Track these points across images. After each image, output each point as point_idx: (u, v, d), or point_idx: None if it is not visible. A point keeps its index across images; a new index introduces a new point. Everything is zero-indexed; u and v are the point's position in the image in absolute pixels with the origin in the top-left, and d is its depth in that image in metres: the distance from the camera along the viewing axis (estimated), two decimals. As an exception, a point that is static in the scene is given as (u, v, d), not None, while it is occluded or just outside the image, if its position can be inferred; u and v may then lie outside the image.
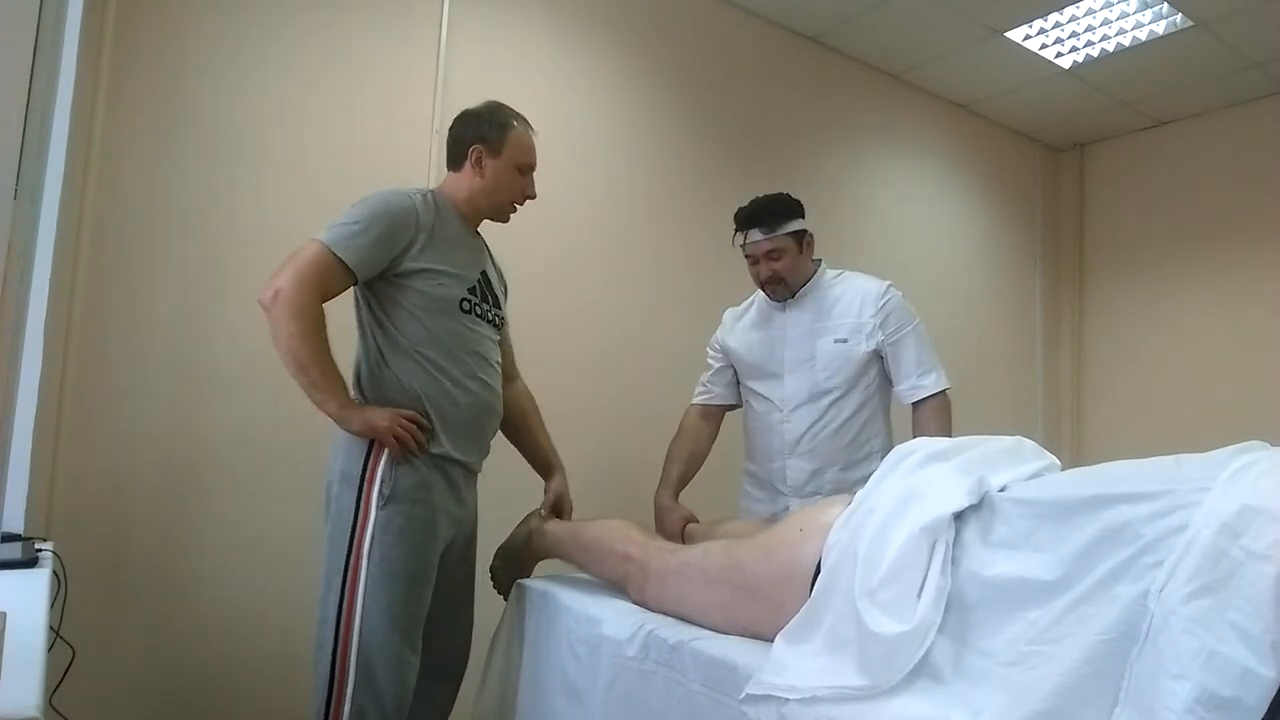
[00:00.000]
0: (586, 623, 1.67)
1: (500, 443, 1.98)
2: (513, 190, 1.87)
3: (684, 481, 2.28)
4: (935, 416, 2.13)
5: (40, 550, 1.45)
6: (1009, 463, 1.34)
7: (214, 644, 2.19)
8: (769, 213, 2.15)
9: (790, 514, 1.64)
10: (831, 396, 2.16)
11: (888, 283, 2.21)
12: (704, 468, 2.34)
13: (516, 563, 2.02)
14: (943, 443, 1.42)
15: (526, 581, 1.96)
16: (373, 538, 1.66)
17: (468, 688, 1.94)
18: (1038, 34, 3.51)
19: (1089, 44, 3.58)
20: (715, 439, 2.37)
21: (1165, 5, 3.28)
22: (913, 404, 2.16)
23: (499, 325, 1.93)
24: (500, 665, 1.92)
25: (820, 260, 2.28)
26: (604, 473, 2.68)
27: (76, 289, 2.05)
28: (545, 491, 2.04)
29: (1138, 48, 3.58)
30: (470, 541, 1.92)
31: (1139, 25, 3.43)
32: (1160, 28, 3.43)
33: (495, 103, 1.89)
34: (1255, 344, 3.89)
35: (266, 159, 2.35)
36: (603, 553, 1.80)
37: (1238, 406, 3.81)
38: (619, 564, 1.74)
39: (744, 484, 2.35)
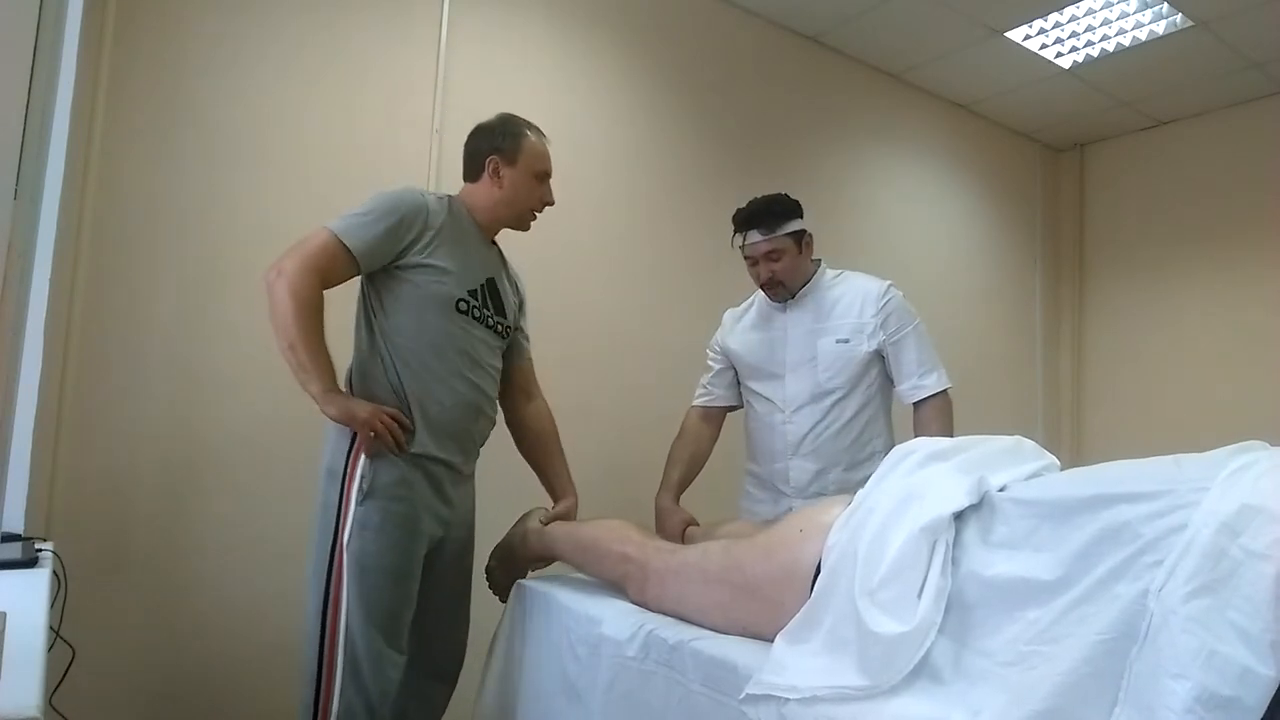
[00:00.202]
0: (586, 623, 1.67)
1: (497, 443, 1.98)
2: (531, 198, 1.89)
3: (685, 484, 2.28)
4: (937, 416, 2.12)
5: (40, 550, 1.45)
6: (1009, 462, 1.34)
7: (214, 644, 2.20)
8: (767, 213, 2.15)
9: (790, 514, 1.64)
10: (834, 397, 2.15)
11: (888, 282, 2.21)
12: (705, 469, 2.34)
13: (512, 562, 2.01)
14: (942, 442, 1.42)
15: (526, 581, 1.96)
16: (351, 532, 1.66)
17: (468, 688, 1.94)
18: (1038, 34, 3.52)
19: (1089, 44, 3.58)
20: (716, 440, 2.36)
21: (1165, 5, 3.28)
22: (914, 404, 2.16)
23: (503, 334, 1.92)
24: (500, 665, 1.92)
25: (820, 260, 2.28)
26: (604, 473, 2.68)
27: (76, 289, 2.05)
28: (553, 502, 2.04)
29: (1138, 48, 3.58)
30: (465, 544, 1.92)
31: (1139, 25, 3.43)
32: (1160, 28, 3.43)
33: (508, 114, 1.92)
34: (1255, 344, 3.89)
35: (266, 159, 2.35)
36: (601, 553, 1.80)
37: (1238, 406, 3.82)
38: (618, 564, 1.74)
39: (746, 485, 2.34)
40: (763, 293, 2.25)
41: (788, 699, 1.17)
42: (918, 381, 2.14)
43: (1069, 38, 3.54)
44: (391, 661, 1.68)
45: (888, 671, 1.12)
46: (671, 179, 3.17)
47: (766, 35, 3.48)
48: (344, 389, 1.74)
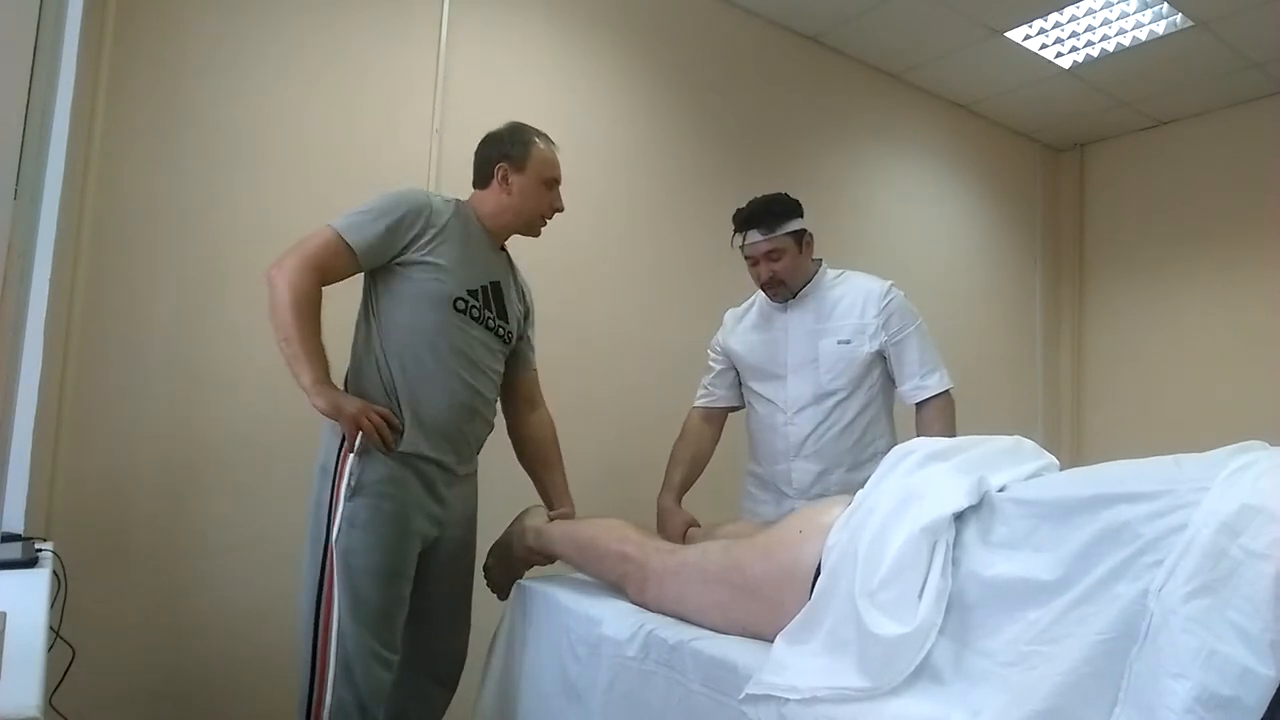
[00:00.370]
0: (586, 623, 1.67)
1: (496, 443, 1.98)
2: (540, 205, 1.91)
3: (687, 485, 2.27)
4: (939, 417, 2.12)
5: (40, 550, 1.45)
6: (1008, 463, 1.34)
7: (214, 644, 2.20)
8: (768, 213, 2.14)
9: (790, 515, 1.64)
10: (836, 398, 2.15)
11: (889, 283, 2.20)
12: (707, 470, 2.33)
13: (510, 561, 2.00)
14: (942, 443, 1.42)
15: (526, 581, 1.95)
16: (340, 529, 1.67)
17: (467, 688, 1.94)
18: (1038, 34, 3.52)
19: (1089, 44, 3.58)
20: (718, 441, 2.36)
21: (1165, 5, 3.28)
22: (916, 404, 2.15)
23: (505, 339, 1.92)
24: (500, 665, 1.91)
25: (821, 260, 2.27)
26: (604, 473, 2.68)
27: (76, 289, 2.05)
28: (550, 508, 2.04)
29: (1138, 48, 3.58)
30: (463, 543, 1.91)
31: (1139, 25, 3.43)
32: (1160, 28, 3.43)
33: (517, 122, 1.93)
34: (1255, 344, 3.89)
35: (266, 159, 2.35)
36: (600, 553, 1.80)
37: (1238, 406, 3.82)
38: (617, 564, 1.74)
39: (747, 486, 2.34)
40: (763, 293, 2.25)
41: (788, 699, 1.17)
42: (920, 382, 2.13)
43: (1069, 38, 3.54)
44: (382, 660, 1.67)
45: (888, 673, 1.13)
46: (671, 179, 3.17)
47: (766, 35, 3.48)
48: (340, 387, 1.75)
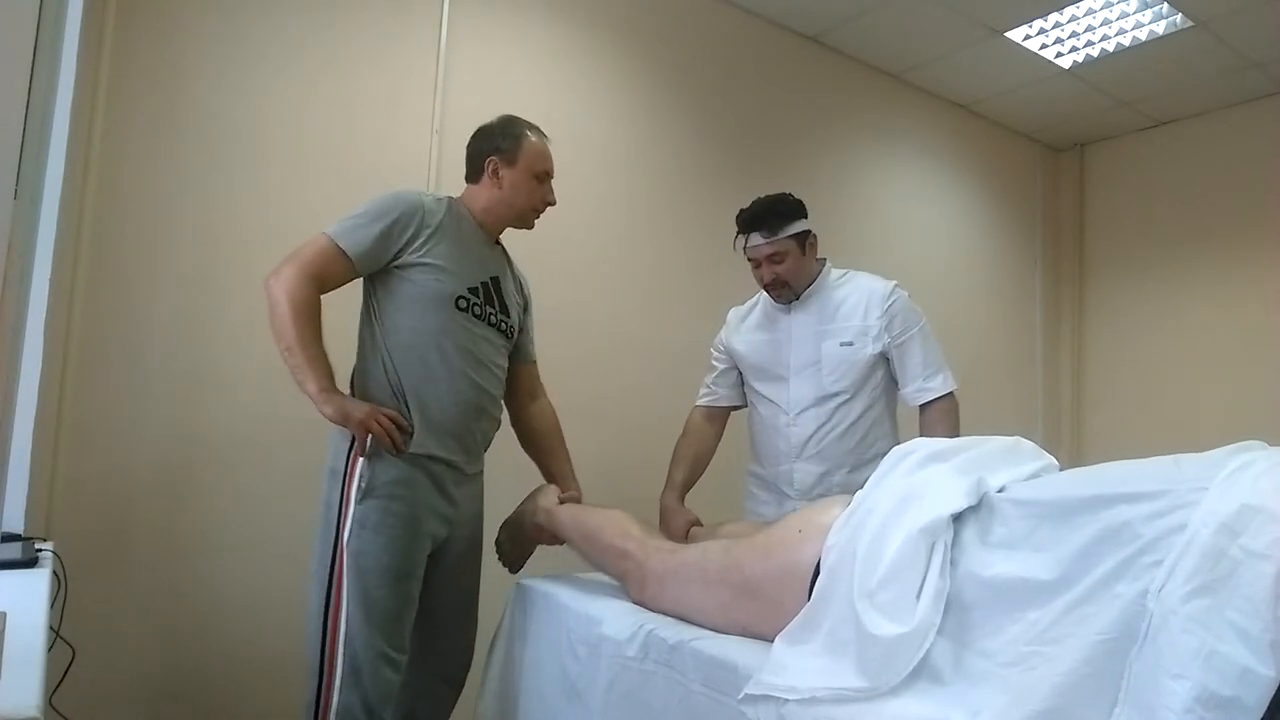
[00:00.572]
0: (586, 623, 1.67)
1: (505, 440, 1.98)
2: (532, 198, 1.89)
3: (689, 483, 2.27)
4: (942, 418, 2.10)
5: (40, 550, 1.44)
6: (1008, 463, 1.33)
7: (214, 644, 2.20)
8: (770, 215, 2.12)
9: (789, 515, 1.64)
10: (838, 400, 2.14)
11: (893, 283, 2.18)
12: (709, 470, 2.33)
13: (521, 538, 2.02)
14: (941, 443, 1.42)
15: (527, 581, 1.96)
16: (351, 531, 1.67)
17: (468, 688, 1.94)
18: (1038, 34, 3.51)
19: (1089, 44, 3.58)
20: (720, 439, 2.35)
21: (1165, 5, 3.28)
22: (920, 406, 2.14)
23: (507, 334, 1.92)
24: (500, 665, 1.92)
25: (825, 260, 2.25)
26: (604, 473, 2.67)
27: (76, 289, 2.05)
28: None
29: (1138, 48, 3.58)
30: (471, 543, 1.92)
31: (1139, 25, 3.43)
32: (1160, 28, 3.43)
33: (509, 115, 1.92)
34: (1255, 344, 3.89)
35: (266, 159, 2.35)
36: (603, 546, 1.81)
37: (1238, 406, 3.82)
38: (618, 560, 1.75)
39: (749, 486, 2.34)
40: (767, 294, 2.24)
41: (787, 699, 1.17)
42: (923, 384, 2.12)
43: (1069, 38, 3.53)
44: (391, 662, 1.67)
45: (887, 673, 1.12)
46: (671, 179, 3.17)
47: (766, 35, 3.48)
48: (347, 390, 1.75)
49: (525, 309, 2.03)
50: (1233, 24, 3.37)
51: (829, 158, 3.66)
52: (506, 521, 2.04)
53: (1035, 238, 4.56)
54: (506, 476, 2.05)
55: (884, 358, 2.16)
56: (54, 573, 1.40)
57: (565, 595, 1.80)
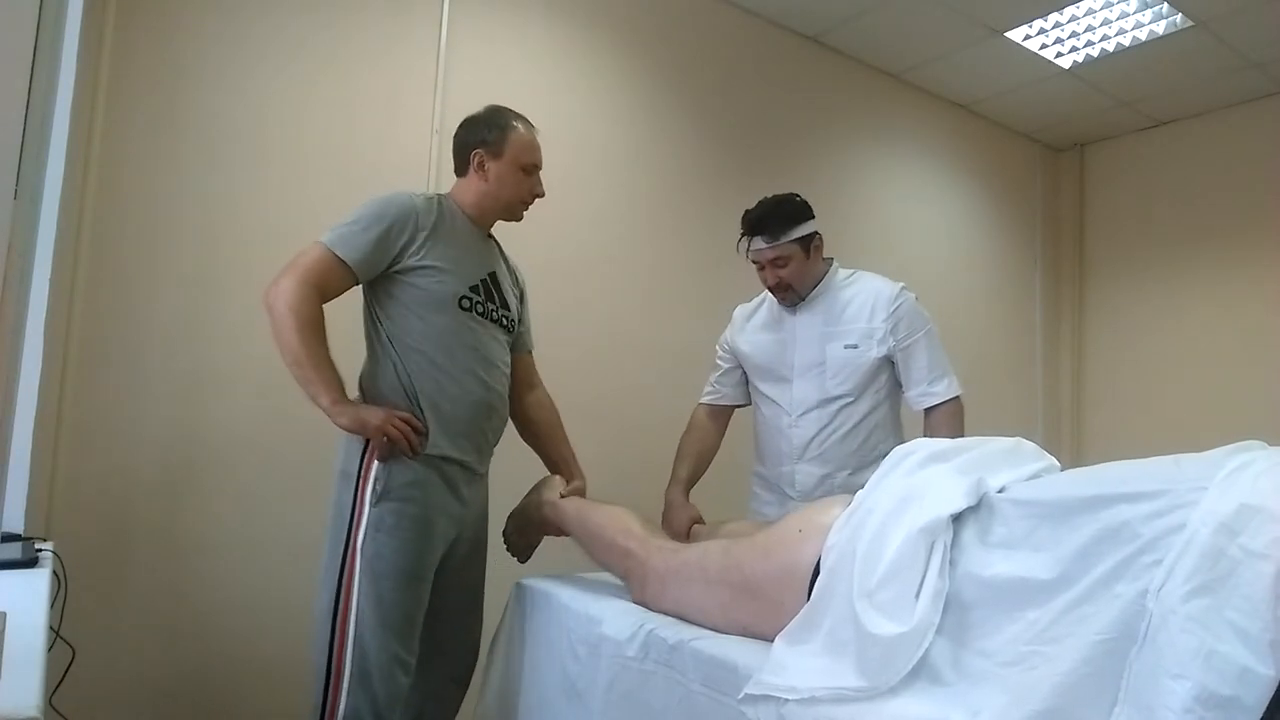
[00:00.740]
0: (586, 623, 1.67)
1: (505, 442, 1.98)
2: (519, 190, 1.87)
3: (694, 479, 2.26)
4: (947, 422, 2.08)
5: (40, 550, 1.44)
6: (1008, 464, 1.33)
7: (214, 644, 2.20)
8: (773, 218, 2.09)
9: (789, 514, 1.64)
10: (841, 402, 2.12)
11: (900, 285, 2.16)
12: (713, 468, 2.33)
13: (528, 528, 2.03)
14: (942, 443, 1.42)
15: (527, 581, 1.96)
16: (366, 534, 1.66)
17: (469, 688, 1.94)
18: (1038, 34, 3.52)
19: (1089, 44, 3.58)
20: (723, 436, 2.35)
21: (1165, 5, 3.28)
22: (925, 410, 2.12)
23: (509, 328, 1.92)
24: (501, 665, 1.92)
25: (832, 260, 2.23)
26: (604, 473, 2.66)
27: (76, 289, 2.05)
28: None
29: (1138, 48, 3.58)
30: (478, 544, 1.91)
31: (1139, 25, 3.43)
32: (1160, 28, 3.43)
33: (495, 106, 1.89)
34: (1255, 344, 3.89)
35: (266, 159, 2.35)
36: (606, 543, 1.81)
37: (1238, 406, 3.81)
38: (620, 558, 1.75)
39: (753, 486, 2.33)
40: (772, 296, 2.22)
41: (787, 699, 1.17)
42: (927, 388, 2.10)
43: (1069, 38, 3.54)
44: (403, 664, 1.67)
45: (886, 673, 1.12)
46: (671, 179, 3.17)
47: (766, 35, 3.48)
48: (356, 394, 1.74)
49: (521, 299, 2.02)
50: (1233, 24, 3.38)
51: (829, 158, 3.66)
52: (513, 513, 2.05)
53: (1035, 238, 4.56)
54: (508, 472, 2.05)
55: (889, 361, 2.13)
56: (54, 573, 1.40)
57: (565, 595, 1.80)
